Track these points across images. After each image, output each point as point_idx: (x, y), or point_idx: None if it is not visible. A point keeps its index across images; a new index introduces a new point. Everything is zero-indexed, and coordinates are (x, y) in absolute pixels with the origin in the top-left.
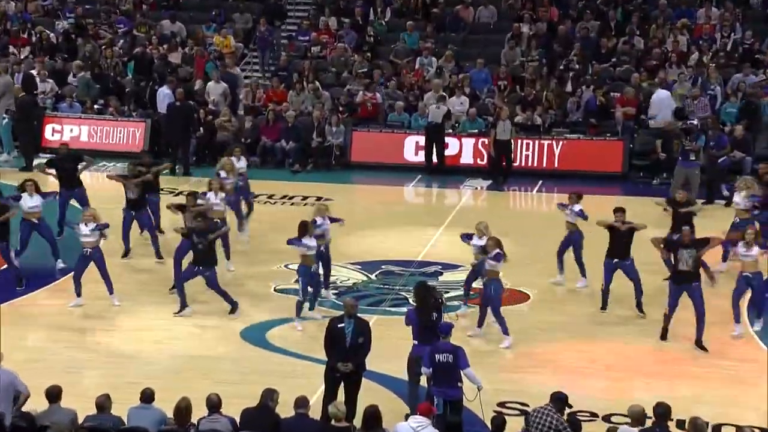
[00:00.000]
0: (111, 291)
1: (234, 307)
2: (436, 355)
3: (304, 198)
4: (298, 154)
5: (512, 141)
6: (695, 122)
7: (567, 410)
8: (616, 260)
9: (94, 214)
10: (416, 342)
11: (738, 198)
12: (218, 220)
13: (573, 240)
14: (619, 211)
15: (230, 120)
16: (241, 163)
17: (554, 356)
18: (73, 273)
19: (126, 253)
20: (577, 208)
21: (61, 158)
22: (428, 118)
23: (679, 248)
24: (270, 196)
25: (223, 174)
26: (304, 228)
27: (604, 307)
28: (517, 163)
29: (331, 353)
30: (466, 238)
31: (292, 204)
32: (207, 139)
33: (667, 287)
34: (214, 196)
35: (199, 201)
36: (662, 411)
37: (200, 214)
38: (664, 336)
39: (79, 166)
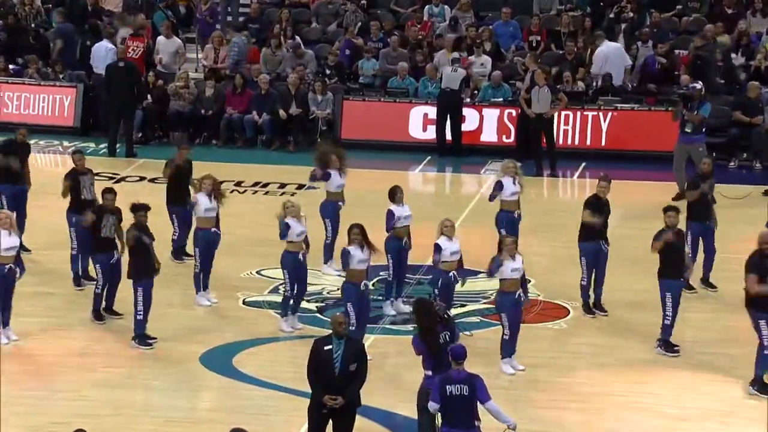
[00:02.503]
0: (6, 323)
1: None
2: (448, 387)
3: (282, 186)
4: (274, 129)
5: (553, 114)
6: (698, 86)
7: None
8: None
9: (11, 219)
10: (429, 372)
11: None
12: (214, 229)
13: None
14: (672, 210)
15: (187, 86)
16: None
17: (601, 389)
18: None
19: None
20: None
21: (17, 146)
22: (441, 84)
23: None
24: (238, 184)
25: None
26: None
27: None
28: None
29: (317, 383)
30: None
31: (267, 193)
32: (157, 110)
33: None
34: (207, 200)
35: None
36: None
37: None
38: None
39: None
